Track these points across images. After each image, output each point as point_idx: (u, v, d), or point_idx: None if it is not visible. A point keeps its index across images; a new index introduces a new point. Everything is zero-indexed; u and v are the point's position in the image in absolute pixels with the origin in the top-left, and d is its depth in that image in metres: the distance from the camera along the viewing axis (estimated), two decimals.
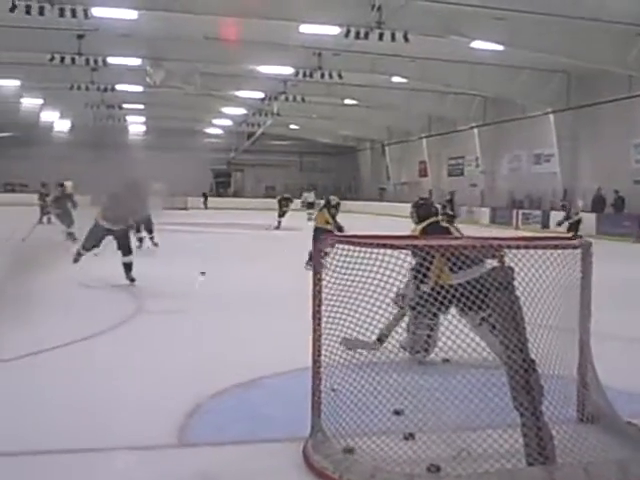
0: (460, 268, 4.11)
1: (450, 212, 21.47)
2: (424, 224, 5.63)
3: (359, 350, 3.90)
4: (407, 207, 24.33)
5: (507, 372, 3.46)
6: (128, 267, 9.32)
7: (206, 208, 39.36)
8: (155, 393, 4.60)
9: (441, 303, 3.91)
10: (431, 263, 3.97)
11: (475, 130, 32.00)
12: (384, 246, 3.50)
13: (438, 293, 3.90)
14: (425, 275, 4.11)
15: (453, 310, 4.14)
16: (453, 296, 3.81)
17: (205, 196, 42.50)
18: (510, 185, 30.22)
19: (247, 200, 42.20)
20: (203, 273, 9.03)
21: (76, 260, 9.50)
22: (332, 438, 3.55)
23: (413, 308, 4.74)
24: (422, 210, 5.86)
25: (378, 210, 35.99)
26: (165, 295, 8.68)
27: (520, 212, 27.17)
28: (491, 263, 3.90)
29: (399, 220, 26.04)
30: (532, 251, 3.73)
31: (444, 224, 5.86)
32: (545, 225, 24.30)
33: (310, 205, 30.28)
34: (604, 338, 6.34)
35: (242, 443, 3.77)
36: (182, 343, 6.10)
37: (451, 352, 3.86)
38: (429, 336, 4.88)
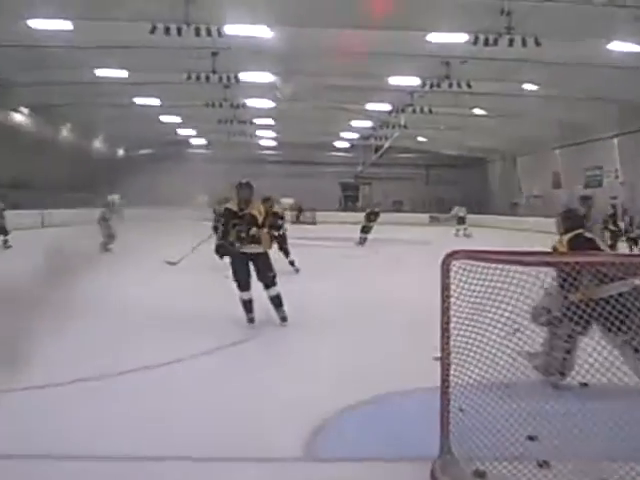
0: (605, 283, 3.92)
1: (613, 227, 18.38)
2: (570, 235, 5.29)
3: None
4: (540, 221, 23.50)
5: None
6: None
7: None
8: (283, 407, 4.65)
9: (586, 320, 3.76)
10: (579, 273, 3.79)
11: (615, 139, 30.25)
12: (514, 262, 3.30)
13: (585, 308, 3.72)
14: (572, 285, 3.95)
15: (591, 331, 3.93)
16: (599, 313, 3.64)
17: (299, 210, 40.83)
18: None
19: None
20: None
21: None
22: (461, 460, 3.43)
23: (560, 321, 4.48)
24: (569, 221, 5.49)
25: (510, 225, 34.86)
26: (292, 310, 8.41)
27: None
28: (633, 282, 3.69)
29: (531, 235, 25.12)
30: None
31: (589, 235, 5.40)
32: None
33: (461, 220, 29.51)
34: None
35: (369, 460, 3.74)
36: (309, 359, 6.16)
37: (589, 376, 3.62)
38: (566, 358, 4.62)
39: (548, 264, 3.48)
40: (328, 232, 26.39)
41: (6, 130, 29.72)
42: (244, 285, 7.38)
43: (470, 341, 3.45)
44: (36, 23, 18.34)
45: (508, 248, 3.66)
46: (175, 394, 4.99)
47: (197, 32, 17.99)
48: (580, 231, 5.35)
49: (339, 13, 17.40)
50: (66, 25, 18.52)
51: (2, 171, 28.16)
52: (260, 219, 7.32)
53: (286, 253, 12.61)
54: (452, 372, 3.50)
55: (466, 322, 3.46)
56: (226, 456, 3.78)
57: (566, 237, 5.28)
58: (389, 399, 4.79)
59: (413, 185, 47.43)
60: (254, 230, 7.22)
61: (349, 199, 49.23)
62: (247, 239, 7.23)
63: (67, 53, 21.28)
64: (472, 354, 3.46)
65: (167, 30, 17.77)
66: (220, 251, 8.75)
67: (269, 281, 7.44)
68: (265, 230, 7.44)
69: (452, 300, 3.46)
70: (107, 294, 9.01)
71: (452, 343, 3.48)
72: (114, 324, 7.32)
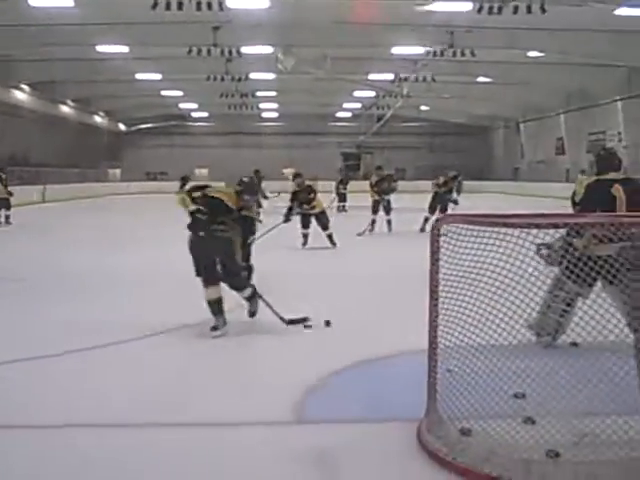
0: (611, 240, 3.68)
1: None
2: (589, 180, 4.84)
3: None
4: (542, 186, 23.54)
5: (635, 355, 3.29)
6: None
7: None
8: (272, 373, 4.76)
9: (585, 280, 3.65)
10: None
11: (619, 103, 30.07)
12: (501, 225, 3.38)
13: (586, 262, 3.59)
14: (578, 232, 3.87)
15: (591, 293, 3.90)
16: (602, 268, 3.52)
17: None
18: None
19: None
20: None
21: None
22: (447, 420, 3.51)
23: (560, 263, 4.23)
24: (602, 163, 4.88)
25: (512, 190, 34.86)
26: (288, 276, 8.81)
27: None
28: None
29: (533, 200, 25.11)
30: None
31: (614, 191, 4.61)
32: None
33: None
34: None
35: (358, 422, 3.83)
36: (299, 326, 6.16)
37: (580, 338, 3.66)
38: (561, 320, 4.49)
39: (537, 226, 3.46)
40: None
41: (6, 106, 29.67)
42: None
43: (459, 304, 3.48)
44: (36, 1, 18.21)
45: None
46: (167, 361, 5.11)
47: (198, 6, 17.88)
48: (608, 176, 4.75)
49: None
50: (67, 1, 18.39)
51: (3, 147, 28.27)
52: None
53: (324, 227, 12.37)
54: (440, 334, 3.55)
55: (456, 285, 3.48)
56: (219, 421, 3.87)
57: (587, 180, 4.88)
58: (376, 363, 4.88)
59: (417, 153, 47.27)
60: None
61: (350, 168, 49.07)
62: None
63: (68, 30, 21.17)
64: (461, 316, 3.48)
65: (168, 5, 17.66)
66: None
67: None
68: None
69: (443, 264, 3.49)
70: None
71: (441, 306, 3.52)
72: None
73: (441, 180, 15.29)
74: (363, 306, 7.02)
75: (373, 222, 14.77)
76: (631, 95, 28.78)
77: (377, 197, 14.87)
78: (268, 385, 4.48)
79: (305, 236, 12.40)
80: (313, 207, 12.28)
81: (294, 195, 12.38)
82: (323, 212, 12.50)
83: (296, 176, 12.85)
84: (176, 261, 6.57)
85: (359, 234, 14.30)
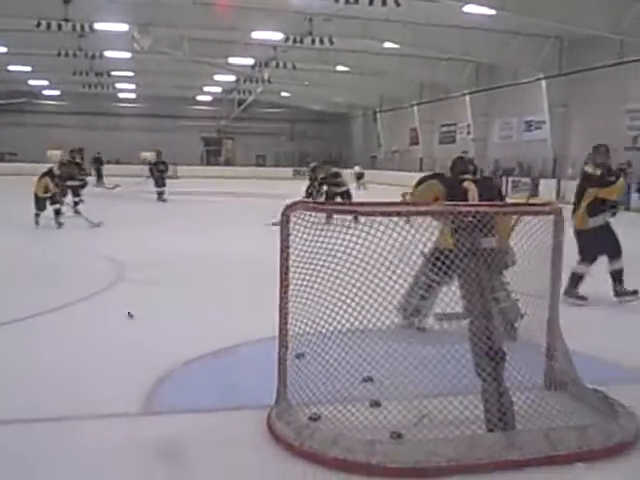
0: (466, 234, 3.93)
1: None
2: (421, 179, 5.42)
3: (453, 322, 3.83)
4: (398, 175, 24.46)
5: (470, 338, 3.49)
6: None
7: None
8: (127, 361, 4.64)
9: (444, 271, 3.81)
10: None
11: (467, 97, 31.76)
12: (347, 212, 3.48)
13: (441, 253, 3.78)
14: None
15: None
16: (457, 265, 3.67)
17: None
18: (501, 152, 30.16)
19: (238, 169, 41.97)
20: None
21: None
22: (297, 406, 3.58)
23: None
24: (455, 168, 5.44)
25: (370, 178, 35.88)
26: (145, 265, 8.67)
27: (510, 179, 27.10)
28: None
29: (389, 188, 25.96)
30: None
31: (466, 185, 5.17)
32: (534, 193, 24.25)
33: (360, 175, 31.15)
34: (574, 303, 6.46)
35: (207, 411, 3.80)
36: (157, 312, 6.13)
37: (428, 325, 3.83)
38: (419, 304, 4.76)
39: (382, 214, 3.61)
40: (191, 186, 26.01)
41: None
42: None
43: (309, 290, 3.55)
44: None
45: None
46: (13, 353, 4.86)
47: None
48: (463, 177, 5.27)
49: None
50: None
51: None
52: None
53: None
54: (291, 321, 3.60)
55: (306, 272, 3.56)
56: (61, 415, 3.72)
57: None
58: (227, 352, 4.88)
59: (277, 140, 47.44)
60: None
61: (211, 154, 48.50)
62: None
63: None
64: (311, 302, 3.55)
65: None
66: None
67: None
68: None
69: (295, 252, 3.55)
70: None
71: (293, 293, 3.57)
72: None
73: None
74: (217, 294, 6.98)
75: None
76: (478, 89, 30.51)
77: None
78: (116, 377, 4.35)
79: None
80: None
81: None
82: None
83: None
84: None
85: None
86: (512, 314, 4.16)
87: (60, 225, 12.65)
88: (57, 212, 12.85)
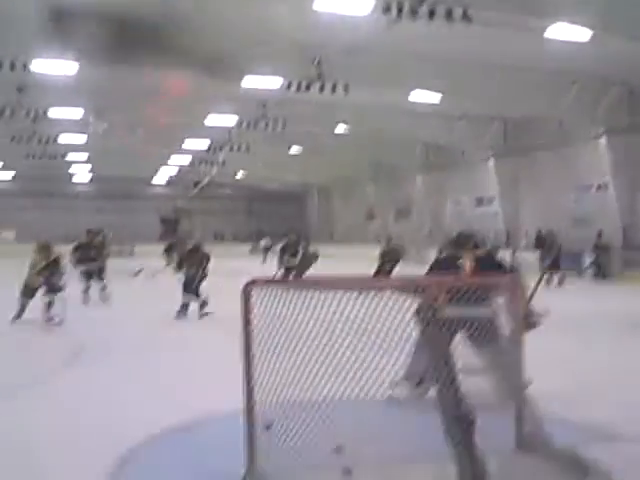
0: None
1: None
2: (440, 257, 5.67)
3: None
4: (356, 249, 24.90)
5: (439, 404, 3.51)
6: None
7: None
8: (88, 440, 4.52)
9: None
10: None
11: (419, 176, 32.68)
12: (307, 286, 3.56)
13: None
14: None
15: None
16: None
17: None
18: (455, 226, 30.84)
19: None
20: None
21: None
22: (268, 476, 3.54)
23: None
24: (457, 242, 5.54)
25: (329, 252, 36.12)
26: (89, 343, 8.55)
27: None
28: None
29: (348, 262, 26.11)
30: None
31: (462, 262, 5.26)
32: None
33: (266, 249, 32.03)
34: (548, 363, 6.52)
35: None
36: (111, 392, 6.02)
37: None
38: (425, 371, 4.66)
39: (337, 286, 3.73)
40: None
41: None
42: None
43: (275, 363, 3.60)
44: None
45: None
46: None
47: (0, 65, 16.99)
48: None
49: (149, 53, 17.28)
50: None
51: None
52: None
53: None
54: (259, 392, 3.60)
55: (274, 344, 3.61)
56: None
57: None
58: (200, 425, 4.83)
59: (234, 218, 47.76)
60: None
61: (169, 232, 48.42)
62: None
63: None
64: (276, 375, 3.59)
65: None
66: None
67: None
68: None
69: (259, 324, 3.60)
70: None
71: (258, 365, 3.60)
72: None
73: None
74: (176, 367, 6.95)
75: None
76: (429, 168, 31.42)
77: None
78: (78, 456, 4.22)
79: None
80: None
81: None
82: None
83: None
84: None
85: None
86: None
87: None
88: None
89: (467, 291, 3.93)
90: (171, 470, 4.02)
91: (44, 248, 10.44)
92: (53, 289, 10.15)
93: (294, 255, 16.32)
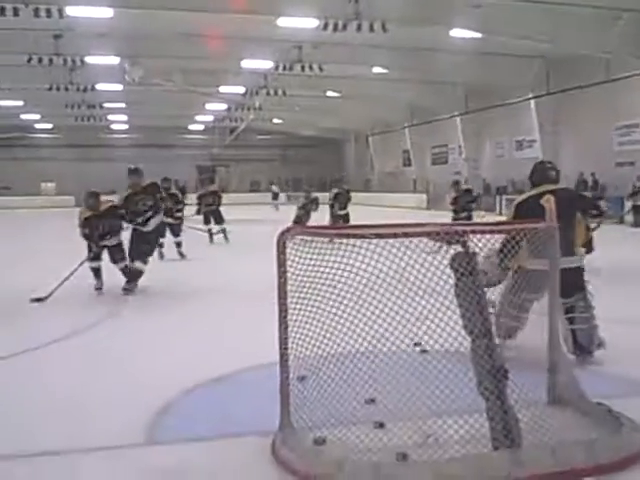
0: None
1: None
2: (520, 198, 5.24)
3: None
4: (391, 197, 25.10)
5: (472, 357, 3.48)
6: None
7: None
8: (127, 392, 4.59)
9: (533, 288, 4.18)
10: (518, 241, 3.93)
11: (457, 119, 32.06)
12: (342, 235, 3.50)
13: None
14: (510, 252, 4.01)
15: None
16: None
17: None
18: (493, 172, 30.36)
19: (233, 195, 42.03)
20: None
21: None
22: (302, 430, 3.55)
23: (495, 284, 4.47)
24: (534, 176, 5.27)
25: (365, 201, 36.03)
26: (138, 294, 8.69)
27: (504, 198, 27.24)
28: (455, 249, 3.84)
29: (384, 210, 26.08)
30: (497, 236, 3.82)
31: (543, 202, 4.78)
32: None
33: (275, 195, 33.41)
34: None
35: (211, 439, 3.75)
36: (154, 342, 6.13)
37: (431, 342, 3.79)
38: (511, 324, 4.50)
39: (377, 236, 3.43)
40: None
41: None
42: None
43: (309, 314, 3.52)
44: None
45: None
46: (23, 384, 4.85)
47: (36, 13, 16.98)
48: (545, 188, 5.06)
49: None
50: None
51: None
52: None
53: None
54: (291, 345, 3.57)
55: (305, 296, 3.53)
56: (65, 449, 3.66)
57: (521, 197, 5.28)
58: (228, 379, 4.85)
59: (271, 166, 47.69)
60: None
61: (206, 181, 48.55)
62: None
63: None
64: (310, 327, 3.52)
65: (2, 10, 16.63)
66: None
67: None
68: None
69: (292, 276, 3.53)
70: None
71: (292, 317, 3.55)
72: None
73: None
74: (213, 321, 6.98)
75: None
76: (468, 111, 30.78)
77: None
78: (116, 408, 4.30)
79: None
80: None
81: None
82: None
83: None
84: None
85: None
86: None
87: None
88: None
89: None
90: (206, 418, 4.07)
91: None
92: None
93: (344, 207, 16.31)
